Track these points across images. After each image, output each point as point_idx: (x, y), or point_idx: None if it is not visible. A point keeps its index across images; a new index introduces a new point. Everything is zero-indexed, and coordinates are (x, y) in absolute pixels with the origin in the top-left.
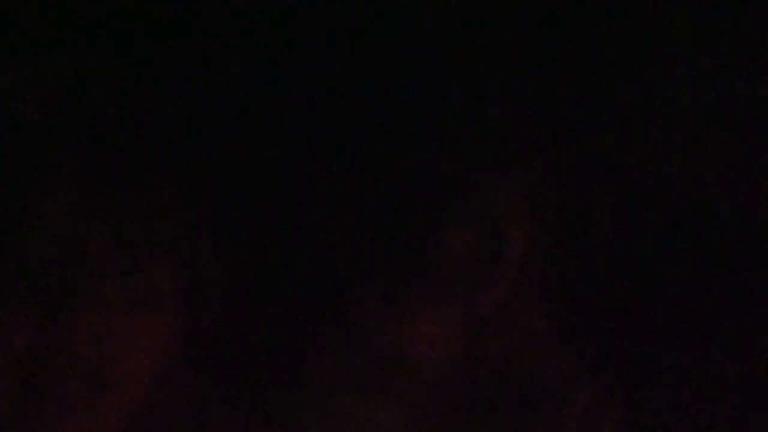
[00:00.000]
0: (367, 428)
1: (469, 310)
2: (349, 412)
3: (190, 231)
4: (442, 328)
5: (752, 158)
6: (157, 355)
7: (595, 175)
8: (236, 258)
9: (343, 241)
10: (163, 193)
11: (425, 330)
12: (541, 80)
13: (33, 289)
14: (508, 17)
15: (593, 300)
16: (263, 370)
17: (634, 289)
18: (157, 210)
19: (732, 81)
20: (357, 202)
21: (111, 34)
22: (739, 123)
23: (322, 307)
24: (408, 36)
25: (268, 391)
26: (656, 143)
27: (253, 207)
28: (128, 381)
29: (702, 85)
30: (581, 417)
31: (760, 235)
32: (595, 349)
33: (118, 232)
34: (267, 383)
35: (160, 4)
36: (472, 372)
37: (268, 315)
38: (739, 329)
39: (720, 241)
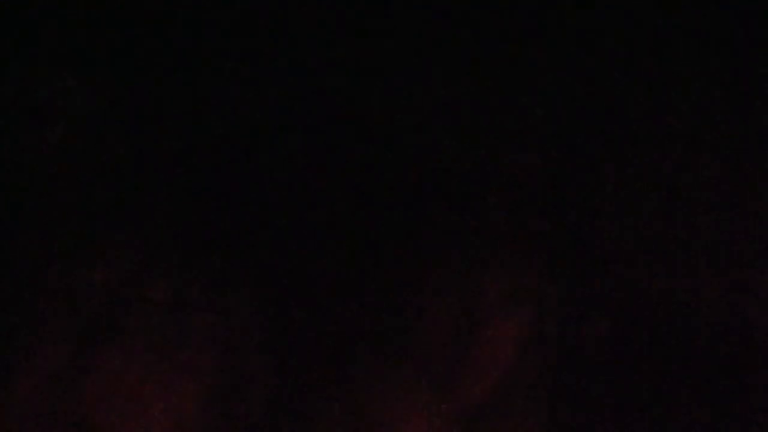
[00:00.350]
0: None
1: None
2: None
3: (228, 280)
4: (432, 415)
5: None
6: (185, 400)
7: (592, 269)
8: (268, 310)
9: (336, 318)
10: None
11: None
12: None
13: (76, 312)
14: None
15: (585, 398)
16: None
17: (628, 386)
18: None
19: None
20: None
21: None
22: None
23: (323, 381)
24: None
25: None
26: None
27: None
28: (155, 416)
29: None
30: None
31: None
32: None
33: (167, 268)
34: None
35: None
36: None
37: (281, 375)
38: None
39: (710, 358)
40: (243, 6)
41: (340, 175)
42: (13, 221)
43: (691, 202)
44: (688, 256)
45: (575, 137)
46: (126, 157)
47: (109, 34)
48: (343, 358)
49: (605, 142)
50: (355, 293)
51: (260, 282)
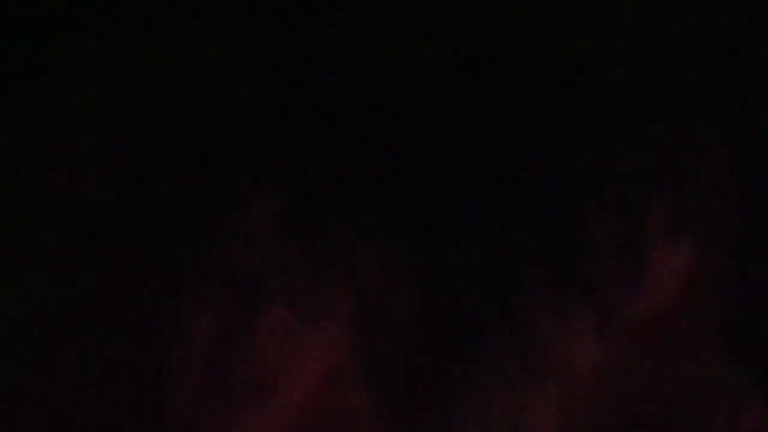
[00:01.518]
0: (516, 428)
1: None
2: (504, 412)
3: (367, 244)
4: (600, 340)
5: None
6: (327, 363)
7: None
8: (410, 267)
9: (502, 247)
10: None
11: (584, 341)
12: None
13: (224, 285)
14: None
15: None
16: (426, 374)
17: None
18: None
19: None
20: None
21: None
22: None
23: (488, 314)
24: None
25: (428, 392)
26: None
27: (423, 222)
28: (298, 384)
29: None
30: None
31: None
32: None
33: (308, 242)
34: (429, 383)
35: None
36: (630, 386)
37: (435, 324)
38: None
39: None
40: None
41: None
42: None
43: None
44: None
45: None
46: None
47: None
48: (513, 284)
49: None
50: (522, 227)
51: (418, 230)
